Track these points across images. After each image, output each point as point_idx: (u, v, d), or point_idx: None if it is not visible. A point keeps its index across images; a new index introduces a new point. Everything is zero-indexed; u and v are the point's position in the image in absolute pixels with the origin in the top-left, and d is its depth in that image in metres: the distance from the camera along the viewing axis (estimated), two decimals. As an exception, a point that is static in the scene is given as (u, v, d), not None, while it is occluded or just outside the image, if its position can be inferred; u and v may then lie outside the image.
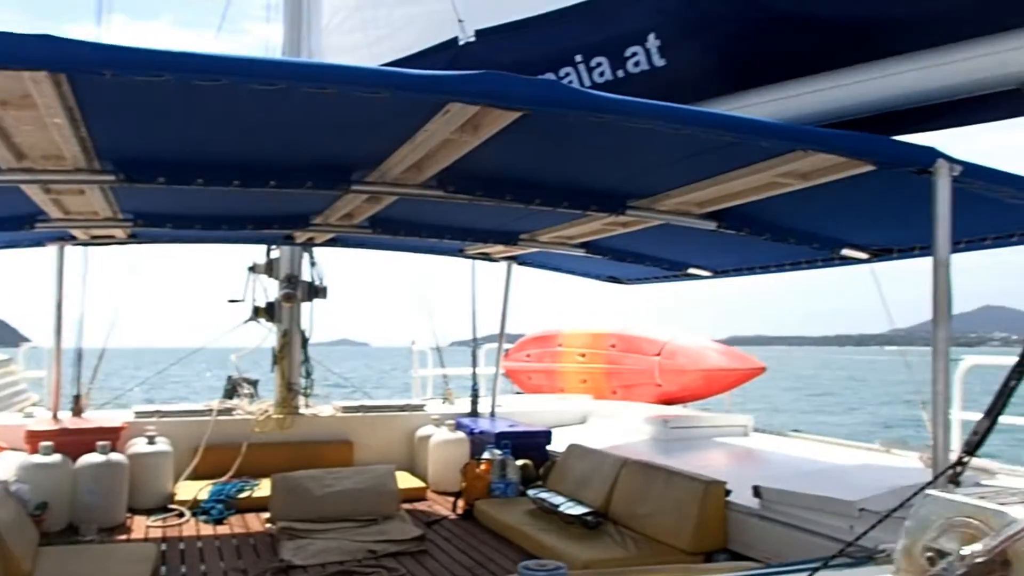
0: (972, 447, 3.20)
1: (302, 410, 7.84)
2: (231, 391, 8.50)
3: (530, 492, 6.16)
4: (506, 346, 11.09)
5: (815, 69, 4.54)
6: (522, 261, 8.12)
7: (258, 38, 13.36)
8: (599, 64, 5.28)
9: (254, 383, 8.58)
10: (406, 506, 6.49)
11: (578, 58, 5.35)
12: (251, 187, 4.43)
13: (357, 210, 5.51)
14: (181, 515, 6.25)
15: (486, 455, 6.72)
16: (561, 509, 5.66)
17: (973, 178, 3.71)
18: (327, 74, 3.08)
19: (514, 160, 4.26)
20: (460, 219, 5.99)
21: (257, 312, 8.01)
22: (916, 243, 5.38)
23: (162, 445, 6.71)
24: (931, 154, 3.58)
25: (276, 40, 8.14)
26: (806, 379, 65.91)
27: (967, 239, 5.03)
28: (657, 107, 3.37)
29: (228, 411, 7.57)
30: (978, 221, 4.66)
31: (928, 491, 1.96)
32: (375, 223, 5.99)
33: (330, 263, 8.08)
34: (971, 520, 1.77)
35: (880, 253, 5.78)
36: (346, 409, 7.96)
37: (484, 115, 3.40)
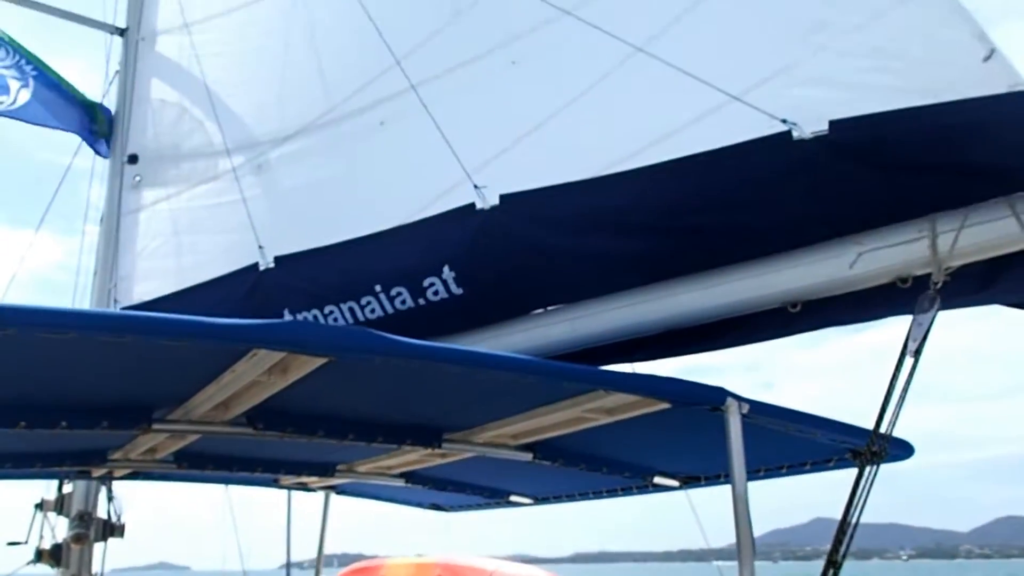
0: None
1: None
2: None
3: None
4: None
5: (601, 292, 4.83)
6: (341, 491, 7.82)
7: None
8: (399, 293, 5.29)
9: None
10: None
11: (378, 287, 5.34)
12: (39, 428, 4.09)
13: (160, 445, 5.19)
14: None
15: None
16: None
17: (760, 415, 3.97)
18: (125, 324, 2.98)
19: (326, 398, 4.20)
20: (272, 452, 5.76)
21: (40, 556, 7.19)
22: (721, 471, 5.62)
23: None
24: (721, 394, 3.84)
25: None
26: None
27: (765, 467, 5.32)
28: (464, 353, 3.47)
29: None
30: (773, 452, 4.96)
31: None
32: (180, 458, 5.63)
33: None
34: None
35: (689, 480, 5.99)
36: None
37: (291, 359, 3.37)
